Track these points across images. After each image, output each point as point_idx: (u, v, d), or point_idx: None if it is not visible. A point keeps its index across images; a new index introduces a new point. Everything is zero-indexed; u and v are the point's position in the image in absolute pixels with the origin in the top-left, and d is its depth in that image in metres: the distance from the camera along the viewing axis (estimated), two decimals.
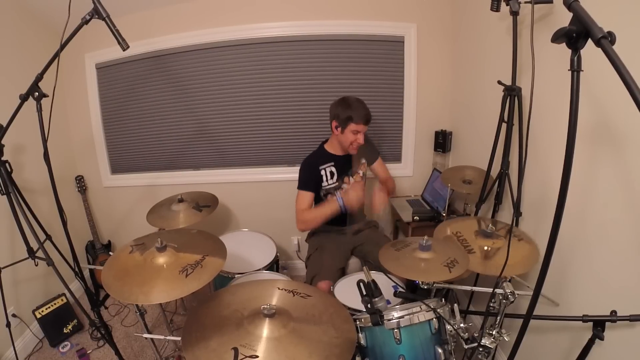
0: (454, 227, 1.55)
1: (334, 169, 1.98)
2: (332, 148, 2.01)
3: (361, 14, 2.33)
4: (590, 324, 1.11)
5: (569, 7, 0.72)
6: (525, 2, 1.39)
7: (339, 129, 1.87)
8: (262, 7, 2.31)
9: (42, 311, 2.12)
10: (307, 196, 1.95)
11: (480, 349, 1.20)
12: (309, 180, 1.95)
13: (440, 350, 1.19)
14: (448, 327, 1.24)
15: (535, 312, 1.00)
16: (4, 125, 1.54)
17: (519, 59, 1.55)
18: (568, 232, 1.27)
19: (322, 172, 1.97)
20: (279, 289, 1.25)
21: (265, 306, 1.07)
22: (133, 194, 2.71)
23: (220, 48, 2.39)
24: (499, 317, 1.20)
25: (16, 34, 2.13)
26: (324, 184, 1.98)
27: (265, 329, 1.04)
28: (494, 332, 1.21)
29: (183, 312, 2.32)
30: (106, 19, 1.28)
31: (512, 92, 1.57)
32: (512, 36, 1.52)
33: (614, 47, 0.65)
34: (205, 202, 2.12)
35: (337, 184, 2.00)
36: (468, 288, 1.44)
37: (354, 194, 1.79)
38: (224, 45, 2.38)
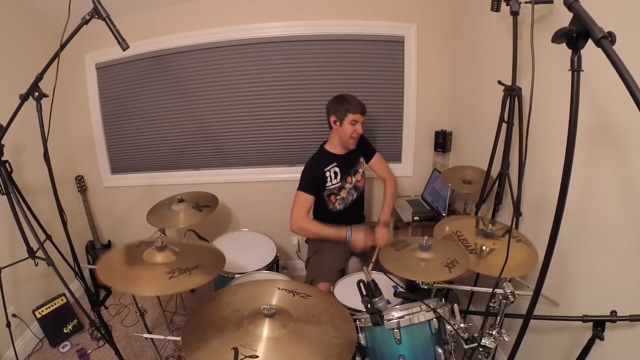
0: (453, 226, 1.54)
1: (337, 169, 1.99)
2: (332, 147, 2.01)
3: (361, 14, 2.33)
4: (590, 324, 1.11)
5: (569, 7, 0.72)
6: (526, 2, 1.39)
7: (338, 123, 1.91)
8: (262, 7, 2.31)
9: (42, 311, 2.12)
10: (308, 200, 1.92)
11: (480, 349, 1.20)
12: (312, 182, 1.94)
13: (440, 350, 1.19)
14: (448, 327, 1.23)
15: (535, 312, 1.00)
16: (4, 125, 1.54)
17: (519, 59, 1.54)
18: (568, 232, 1.27)
19: (327, 174, 1.97)
20: (279, 289, 1.25)
21: (265, 306, 1.07)
22: (133, 194, 2.71)
23: (220, 48, 2.39)
24: (499, 317, 1.20)
25: (16, 34, 2.13)
26: (328, 184, 1.98)
27: (265, 329, 1.04)
28: (494, 332, 1.21)
29: (183, 312, 2.32)
30: (106, 19, 1.28)
31: (512, 92, 1.57)
32: (512, 36, 1.52)
33: (614, 47, 0.65)
34: (205, 202, 2.12)
35: (340, 183, 2.01)
36: (468, 288, 1.45)
37: (362, 240, 1.84)
38: (224, 45, 2.38)
